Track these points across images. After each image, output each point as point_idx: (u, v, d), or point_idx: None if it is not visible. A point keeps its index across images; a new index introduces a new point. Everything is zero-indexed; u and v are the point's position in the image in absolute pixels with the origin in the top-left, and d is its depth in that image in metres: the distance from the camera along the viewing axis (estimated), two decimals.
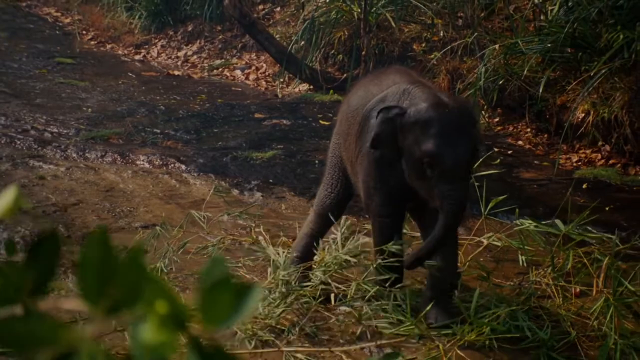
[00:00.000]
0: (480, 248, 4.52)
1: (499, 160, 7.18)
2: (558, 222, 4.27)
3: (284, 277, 4.21)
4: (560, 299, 4.24)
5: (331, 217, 4.48)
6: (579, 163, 7.15)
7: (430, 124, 3.79)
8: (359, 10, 9.21)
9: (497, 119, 8.19)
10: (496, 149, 7.49)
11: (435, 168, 3.76)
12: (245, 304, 0.65)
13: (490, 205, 4.34)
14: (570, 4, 7.70)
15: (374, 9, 9.43)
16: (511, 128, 8.05)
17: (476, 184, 4.76)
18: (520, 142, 7.73)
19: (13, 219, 5.37)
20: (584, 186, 6.57)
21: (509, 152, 7.44)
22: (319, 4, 9.86)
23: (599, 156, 7.18)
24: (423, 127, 3.80)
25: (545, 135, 7.70)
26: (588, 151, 7.28)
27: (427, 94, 3.95)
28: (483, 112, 8.14)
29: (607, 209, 5.93)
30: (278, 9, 11.13)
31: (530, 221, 4.39)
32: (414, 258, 4.00)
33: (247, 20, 9.41)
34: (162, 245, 4.67)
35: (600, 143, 7.22)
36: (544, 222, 4.38)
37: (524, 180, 6.75)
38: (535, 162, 7.22)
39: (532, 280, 4.32)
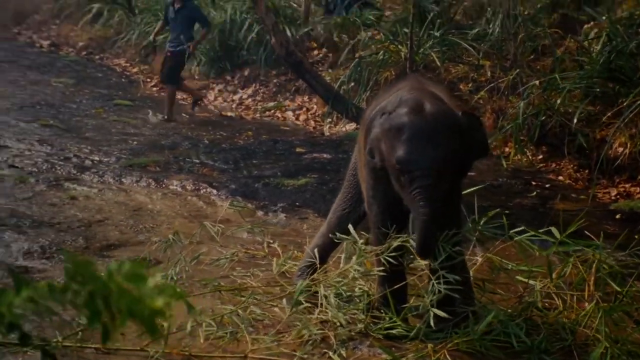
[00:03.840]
0: (476, 265, 4.43)
1: (535, 193, 7.14)
2: (554, 229, 4.19)
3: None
4: (562, 307, 4.15)
5: (343, 231, 4.40)
6: (618, 197, 7.02)
7: (401, 130, 3.75)
8: (407, 50, 9.28)
9: (540, 156, 8.11)
10: (534, 183, 7.42)
11: (406, 174, 3.73)
12: None
13: (483, 220, 4.24)
14: (614, 43, 7.63)
15: (422, 49, 9.50)
16: (554, 165, 7.95)
17: (505, 212, 4.70)
18: (560, 178, 7.64)
19: (36, 230, 5.53)
20: (617, 217, 6.45)
21: (547, 185, 7.35)
22: (368, 45, 9.98)
23: (638, 189, 7.04)
24: (395, 134, 3.77)
25: (586, 171, 7.58)
26: (627, 185, 7.15)
27: (412, 100, 3.88)
28: (525, 149, 8.09)
29: (636, 237, 5.80)
30: (331, 54, 11.27)
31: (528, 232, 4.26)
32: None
33: (294, 59, 9.54)
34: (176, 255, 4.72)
35: (639, 177, 7.10)
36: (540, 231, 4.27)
37: (557, 211, 6.65)
38: (573, 195, 7.12)
39: (537, 290, 4.23)
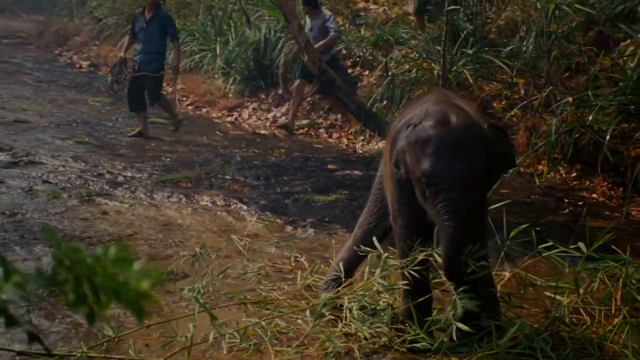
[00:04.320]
0: (504, 280, 4.41)
1: (567, 210, 7.07)
2: (581, 245, 4.15)
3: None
4: (590, 322, 4.11)
5: (369, 245, 4.41)
6: None
7: (427, 143, 3.73)
8: (439, 68, 9.26)
9: (574, 174, 8.04)
10: (567, 200, 7.36)
11: (431, 187, 3.71)
12: None
13: (511, 235, 4.22)
14: None
15: (455, 67, 9.48)
16: (587, 182, 7.88)
17: (536, 229, 4.68)
18: (594, 195, 7.57)
19: (67, 244, 5.57)
20: None
21: (580, 203, 7.28)
22: (400, 63, 9.99)
23: None
24: (421, 146, 3.75)
25: (621, 189, 7.50)
26: None
27: (437, 112, 3.86)
28: (559, 166, 8.03)
29: None
30: (367, 72, 11.28)
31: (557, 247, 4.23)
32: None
33: (326, 77, 9.57)
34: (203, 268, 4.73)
35: None
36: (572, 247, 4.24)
37: (589, 228, 6.57)
38: (606, 212, 7.04)
39: (564, 305, 4.19)
